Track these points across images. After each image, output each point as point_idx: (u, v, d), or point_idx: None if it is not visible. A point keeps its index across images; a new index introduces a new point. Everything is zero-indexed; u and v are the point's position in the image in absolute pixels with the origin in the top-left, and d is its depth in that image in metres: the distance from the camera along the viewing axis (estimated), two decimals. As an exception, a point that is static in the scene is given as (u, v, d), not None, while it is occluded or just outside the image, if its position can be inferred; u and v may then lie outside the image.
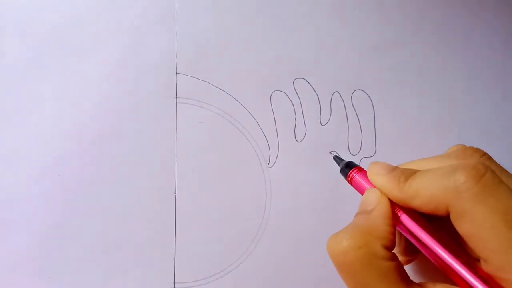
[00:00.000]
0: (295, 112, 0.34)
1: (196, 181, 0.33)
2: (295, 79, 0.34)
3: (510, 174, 0.24)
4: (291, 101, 0.34)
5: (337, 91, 0.35)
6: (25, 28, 0.32)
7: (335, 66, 0.35)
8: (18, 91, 0.31)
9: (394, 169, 0.25)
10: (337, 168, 0.32)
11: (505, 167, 0.36)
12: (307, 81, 0.34)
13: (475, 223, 0.20)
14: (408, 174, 0.24)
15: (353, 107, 0.35)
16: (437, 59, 0.36)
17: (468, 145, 0.34)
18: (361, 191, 0.27)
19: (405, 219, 0.24)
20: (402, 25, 0.36)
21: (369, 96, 0.35)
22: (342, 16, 0.35)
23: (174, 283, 0.32)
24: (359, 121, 0.35)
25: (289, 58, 0.34)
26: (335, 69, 0.35)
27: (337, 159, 0.31)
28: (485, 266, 0.21)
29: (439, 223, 0.24)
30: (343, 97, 0.35)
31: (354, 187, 0.28)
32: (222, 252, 0.33)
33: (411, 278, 0.23)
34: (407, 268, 0.32)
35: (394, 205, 0.25)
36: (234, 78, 0.34)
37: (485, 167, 0.21)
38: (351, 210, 0.34)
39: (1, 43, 0.31)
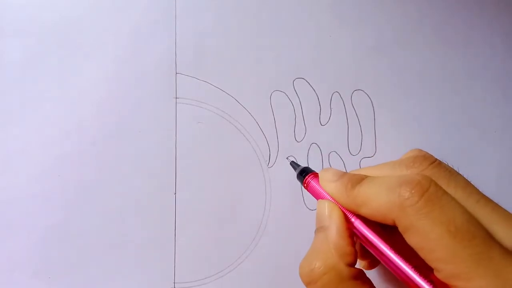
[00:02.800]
0: (295, 112, 0.34)
1: (196, 181, 0.33)
2: (295, 79, 0.34)
3: (461, 178, 0.25)
4: (291, 101, 0.34)
5: (337, 91, 0.35)
6: (25, 28, 0.32)
7: (335, 66, 0.35)
8: (18, 91, 0.31)
9: (343, 175, 0.26)
10: (336, 168, 0.32)
11: (505, 168, 0.36)
12: (307, 81, 0.34)
13: (421, 236, 0.21)
14: (355, 181, 0.24)
15: (353, 107, 0.35)
16: (437, 59, 0.36)
17: (469, 145, 0.34)
18: (317, 196, 0.27)
19: (358, 224, 0.25)
20: (402, 25, 0.36)
21: (369, 96, 0.35)
22: (342, 16, 0.35)
23: (174, 283, 0.32)
24: (359, 121, 0.35)
25: (289, 58, 0.34)
26: (335, 69, 0.35)
27: (294, 164, 0.31)
28: (437, 275, 0.21)
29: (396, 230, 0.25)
30: (343, 97, 0.35)
31: (310, 193, 0.28)
32: (222, 252, 0.33)
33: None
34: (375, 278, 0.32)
35: (348, 214, 0.25)
36: (234, 78, 0.34)
37: (429, 181, 0.22)
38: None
39: (1, 43, 0.31)
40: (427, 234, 0.21)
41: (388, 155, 0.35)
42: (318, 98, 0.34)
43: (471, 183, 0.25)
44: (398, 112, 0.35)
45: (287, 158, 0.34)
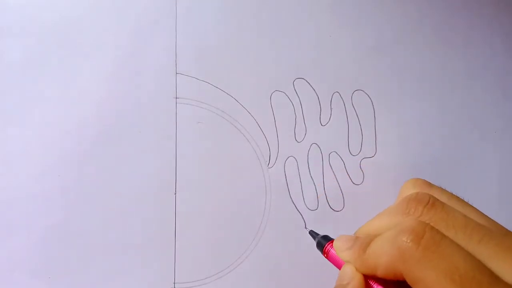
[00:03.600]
0: (295, 112, 0.34)
1: (196, 181, 0.33)
2: (295, 79, 0.34)
3: (459, 216, 0.23)
4: (291, 101, 0.34)
5: (337, 91, 0.35)
6: (25, 28, 0.32)
7: (335, 66, 0.35)
8: (18, 91, 0.31)
9: (355, 241, 0.25)
10: (337, 168, 0.32)
11: (506, 168, 0.36)
12: (307, 81, 0.34)
13: None
14: (365, 244, 0.24)
15: (353, 107, 0.35)
16: (437, 59, 0.36)
17: (469, 146, 0.34)
18: (338, 265, 0.27)
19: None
20: (402, 25, 0.36)
21: (369, 96, 0.35)
22: (342, 16, 0.35)
23: (174, 283, 0.32)
24: (359, 121, 0.35)
25: (289, 58, 0.34)
26: (335, 69, 0.35)
27: (313, 233, 0.30)
28: None
29: None
30: (343, 97, 0.35)
31: (331, 262, 0.28)
32: (222, 252, 0.33)
33: None
34: None
35: (368, 278, 0.24)
36: (234, 78, 0.33)
37: (423, 227, 0.21)
38: (352, 210, 0.34)
39: (1, 43, 0.31)
40: (433, 285, 0.20)
41: (389, 155, 0.35)
42: (318, 98, 0.34)
43: (470, 218, 0.23)
44: (399, 112, 0.35)
45: (305, 228, 0.33)
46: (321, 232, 0.29)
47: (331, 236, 0.29)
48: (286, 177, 0.34)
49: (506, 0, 0.37)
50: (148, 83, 0.33)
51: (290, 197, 0.34)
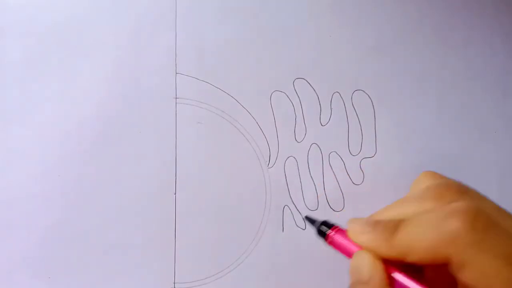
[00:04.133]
0: (295, 112, 0.34)
1: (196, 181, 0.33)
2: (295, 79, 0.34)
3: (494, 204, 0.23)
4: (291, 101, 0.34)
5: (337, 91, 0.35)
6: (25, 28, 0.32)
7: (335, 66, 0.35)
8: (18, 91, 0.31)
9: (376, 224, 0.24)
10: (337, 168, 0.32)
11: (506, 168, 0.36)
12: (307, 81, 0.34)
13: (479, 272, 0.19)
14: (393, 227, 0.23)
15: (353, 107, 0.35)
16: (437, 59, 0.36)
17: (469, 146, 0.34)
18: (346, 253, 0.25)
19: (401, 279, 0.22)
20: (402, 25, 0.36)
21: (369, 97, 0.35)
22: (342, 16, 0.35)
23: (174, 283, 0.32)
24: (359, 122, 0.35)
25: (289, 58, 0.34)
26: (335, 69, 0.35)
27: (309, 219, 0.28)
28: None
29: (433, 271, 0.23)
30: (343, 98, 0.35)
31: (336, 249, 0.26)
32: (222, 252, 0.33)
33: None
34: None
35: (386, 265, 0.23)
36: (234, 78, 0.33)
37: (476, 209, 0.20)
38: (352, 210, 0.34)
39: (1, 43, 0.31)
40: (485, 269, 0.19)
41: (389, 155, 0.35)
42: (318, 98, 0.34)
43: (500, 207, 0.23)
44: (399, 112, 0.35)
45: (305, 217, 0.31)
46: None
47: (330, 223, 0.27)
48: (286, 177, 0.34)
49: (506, 0, 0.37)
50: (148, 83, 0.33)
51: (290, 197, 0.34)
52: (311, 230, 0.33)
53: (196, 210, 0.33)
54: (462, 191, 0.24)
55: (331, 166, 0.34)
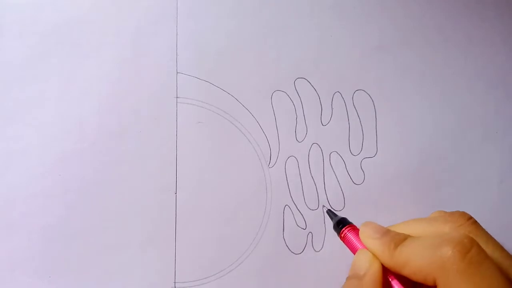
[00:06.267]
0: (296, 112, 0.34)
1: (197, 181, 0.33)
2: (296, 79, 0.34)
3: (496, 241, 0.25)
4: (292, 101, 0.34)
5: (338, 91, 0.34)
6: (26, 28, 0.32)
7: (336, 66, 0.35)
8: (18, 91, 0.31)
9: (385, 233, 0.26)
10: (337, 168, 0.32)
11: (507, 168, 0.36)
12: (308, 81, 0.34)
13: None
14: (399, 240, 0.25)
15: (354, 107, 0.35)
16: (439, 59, 0.36)
17: (470, 146, 0.34)
18: (353, 249, 0.28)
19: (396, 285, 0.25)
20: (404, 25, 0.35)
21: (370, 96, 0.35)
22: (343, 16, 0.35)
23: (174, 283, 0.32)
24: (360, 121, 0.35)
25: (290, 58, 0.34)
26: (336, 69, 0.34)
27: (330, 213, 0.31)
28: None
29: None
30: (344, 97, 0.35)
31: (345, 245, 0.29)
32: (222, 252, 0.33)
33: None
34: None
35: (386, 270, 0.25)
36: (234, 78, 0.33)
37: (471, 242, 0.22)
38: (352, 210, 0.34)
39: (1, 43, 0.31)
40: None
41: (390, 156, 0.35)
42: (319, 98, 0.34)
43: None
44: (400, 112, 0.35)
45: (323, 207, 0.34)
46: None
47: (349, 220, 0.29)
48: (286, 177, 0.34)
49: (507, 0, 0.37)
50: (148, 82, 0.33)
51: (291, 197, 0.34)
52: (311, 230, 0.34)
53: (197, 210, 0.33)
54: (472, 220, 0.25)
55: (331, 166, 0.34)
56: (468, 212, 0.27)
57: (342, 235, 0.29)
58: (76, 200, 0.31)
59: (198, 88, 0.33)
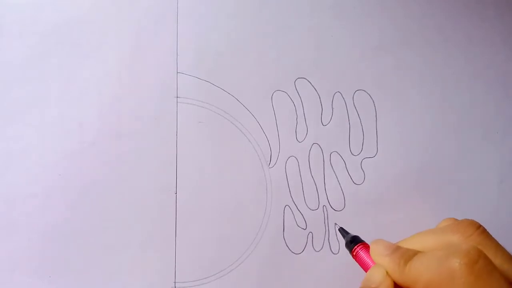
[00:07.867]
0: (296, 112, 0.34)
1: (197, 181, 0.33)
2: (297, 79, 0.34)
3: (505, 250, 0.25)
4: (292, 101, 0.34)
5: (338, 91, 0.34)
6: (26, 28, 0.32)
7: (336, 66, 0.34)
8: (18, 91, 0.31)
9: (395, 250, 0.26)
10: (338, 168, 0.32)
11: (508, 169, 0.36)
12: (308, 81, 0.34)
13: None
14: (408, 257, 0.25)
15: (355, 107, 0.35)
16: (439, 59, 0.36)
17: (471, 146, 0.34)
18: (365, 267, 0.28)
19: None
20: (404, 25, 0.35)
21: (370, 97, 0.35)
22: (344, 16, 0.35)
23: (175, 283, 0.32)
24: (360, 121, 0.35)
25: (290, 58, 0.34)
26: (336, 69, 0.34)
27: (343, 231, 0.32)
28: None
29: None
30: (344, 97, 0.35)
31: (357, 262, 0.29)
32: (222, 252, 0.33)
33: None
34: None
35: (398, 287, 0.25)
36: (235, 78, 0.33)
37: (478, 253, 0.22)
38: (352, 210, 0.34)
39: (2, 43, 0.31)
40: None
41: (390, 156, 0.35)
42: (319, 98, 0.34)
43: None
44: (400, 112, 0.35)
45: (335, 224, 0.34)
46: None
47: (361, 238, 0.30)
48: (287, 177, 0.34)
49: (507, 0, 0.37)
50: (149, 82, 0.33)
51: (291, 197, 0.34)
52: (311, 230, 0.33)
53: (197, 210, 0.33)
54: (481, 230, 0.25)
55: (332, 166, 0.34)
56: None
57: (354, 253, 0.29)
58: (76, 200, 0.31)
59: (198, 88, 0.33)
